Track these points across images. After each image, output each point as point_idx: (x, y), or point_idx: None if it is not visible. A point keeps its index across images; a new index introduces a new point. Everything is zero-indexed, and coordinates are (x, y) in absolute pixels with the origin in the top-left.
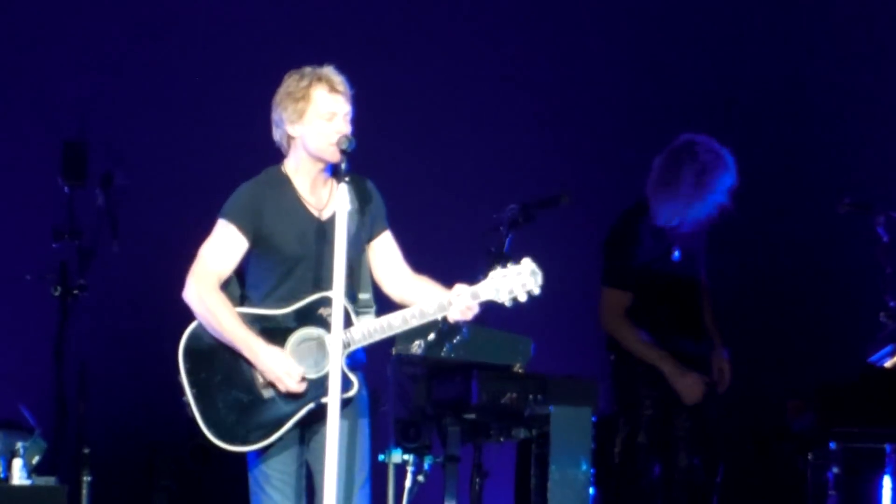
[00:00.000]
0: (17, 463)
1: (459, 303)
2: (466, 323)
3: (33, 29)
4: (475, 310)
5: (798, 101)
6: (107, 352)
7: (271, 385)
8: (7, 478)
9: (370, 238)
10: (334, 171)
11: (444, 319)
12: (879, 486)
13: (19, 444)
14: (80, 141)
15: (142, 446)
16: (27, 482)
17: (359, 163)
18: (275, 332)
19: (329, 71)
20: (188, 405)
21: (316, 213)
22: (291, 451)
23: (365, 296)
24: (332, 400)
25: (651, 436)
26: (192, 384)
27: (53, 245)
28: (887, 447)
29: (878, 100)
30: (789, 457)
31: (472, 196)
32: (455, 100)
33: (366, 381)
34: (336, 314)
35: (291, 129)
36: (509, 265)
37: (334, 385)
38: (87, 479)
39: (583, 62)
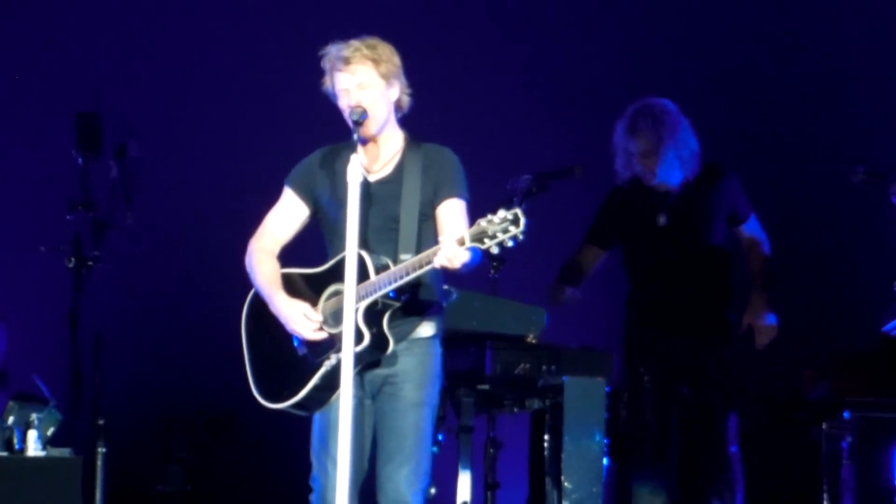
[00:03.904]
0: (32, 434)
1: (445, 248)
2: (454, 270)
3: (47, 0)
4: (462, 257)
5: (813, 68)
6: (121, 323)
7: (303, 342)
8: (22, 449)
9: (432, 204)
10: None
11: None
12: (893, 456)
13: (34, 416)
14: (94, 112)
15: (157, 418)
16: (42, 453)
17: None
18: (312, 289)
19: (336, 49)
20: (245, 365)
21: (366, 175)
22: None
23: (406, 257)
24: (346, 356)
25: (653, 404)
26: (249, 344)
27: (68, 216)
28: None
29: (893, 67)
30: (804, 426)
31: (487, 166)
32: (469, 70)
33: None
34: (349, 274)
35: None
36: (501, 211)
37: (347, 341)
38: (101, 450)
39: (598, 32)
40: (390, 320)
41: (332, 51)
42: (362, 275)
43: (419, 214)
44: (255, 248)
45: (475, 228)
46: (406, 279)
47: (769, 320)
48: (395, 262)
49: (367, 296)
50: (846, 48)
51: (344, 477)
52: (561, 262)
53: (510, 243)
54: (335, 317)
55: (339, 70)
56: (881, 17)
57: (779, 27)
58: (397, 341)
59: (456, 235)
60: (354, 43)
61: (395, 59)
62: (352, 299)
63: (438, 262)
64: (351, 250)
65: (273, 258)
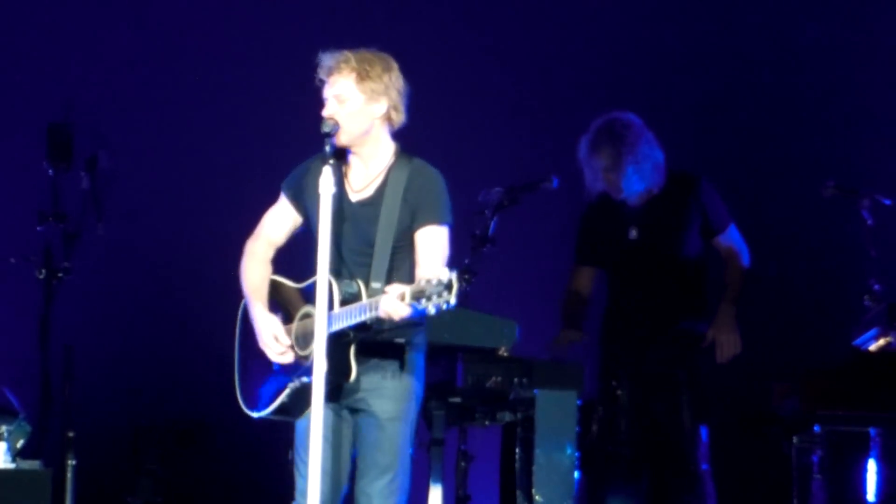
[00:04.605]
0: (1, 447)
1: (385, 303)
2: (401, 321)
3: (18, 10)
4: (402, 312)
5: (783, 83)
6: (92, 335)
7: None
8: None
9: (410, 228)
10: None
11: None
12: (864, 470)
13: (3, 428)
14: (66, 123)
15: (127, 430)
16: (11, 466)
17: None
18: (289, 304)
19: (326, 58)
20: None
21: (349, 194)
22: (324, 434)
23: (377, 284)
24: (317, 380)
25: (627, 418)
26: (239, 348)
27: (38, 228)
28: (872, 431)
29: (863, 83)
30: (775, 440)
31: (458, 179)
32: (440, 82)
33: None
34: (320, 296)
35: None
36: (439, 274)
37: (318, 366)
38: (71, 462)
39: (569, 46)
40: (358, 349)
41: (323, 59)
42: (330, 302)
43: (394, 241)
44: (248, 252)
45: (415, 287)
46: (358, 320)
47: (733, 335)
48: (368, 287)
49: (328, 327)
50: (818, 63)
51: (315, 492)
52: (533, 275)
53: (444, 307)
54: (305, 339)
55: (323, 80)
56: (852, 33)
57: (752, 42)
58: (372, 357)
59: (398, 291)
60: (346, 54)
61: (387, 76)
62: (323, 328)
63: (379, 313)
64: (322, 269)
65: (264, 263)
